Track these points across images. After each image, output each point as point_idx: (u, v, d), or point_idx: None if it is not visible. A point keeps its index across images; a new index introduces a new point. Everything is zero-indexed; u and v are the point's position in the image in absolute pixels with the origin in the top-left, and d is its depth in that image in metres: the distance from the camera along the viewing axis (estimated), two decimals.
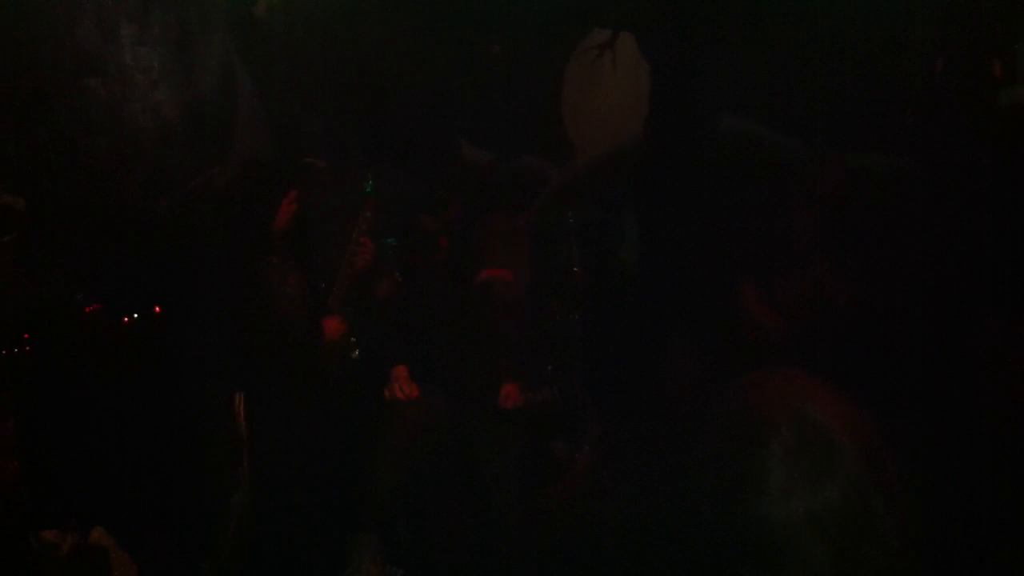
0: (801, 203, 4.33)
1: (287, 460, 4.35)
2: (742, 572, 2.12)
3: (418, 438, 4.39)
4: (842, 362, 3.77)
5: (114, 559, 4.07)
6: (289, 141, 4.84)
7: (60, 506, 4.08)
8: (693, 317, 4.47)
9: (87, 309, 4.39)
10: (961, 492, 3.59)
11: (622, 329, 4.53)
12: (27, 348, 4.24)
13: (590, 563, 4.11)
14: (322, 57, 4.71)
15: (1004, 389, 3.75)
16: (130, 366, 4.39)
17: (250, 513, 4.28)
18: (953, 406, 3.80)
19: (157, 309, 4.44)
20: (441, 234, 4.83)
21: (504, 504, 4.28)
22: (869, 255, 4.23)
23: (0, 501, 4.07)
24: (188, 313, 4.51)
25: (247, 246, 4.55)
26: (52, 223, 4.48)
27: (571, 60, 4.95)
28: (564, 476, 4.40)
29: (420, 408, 4.39)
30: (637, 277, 4.70)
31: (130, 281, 4.49)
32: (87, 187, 4.55)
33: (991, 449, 3.68)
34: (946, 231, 4.02)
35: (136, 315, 4.45)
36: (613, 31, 4.85)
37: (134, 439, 4.22)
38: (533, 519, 4.32)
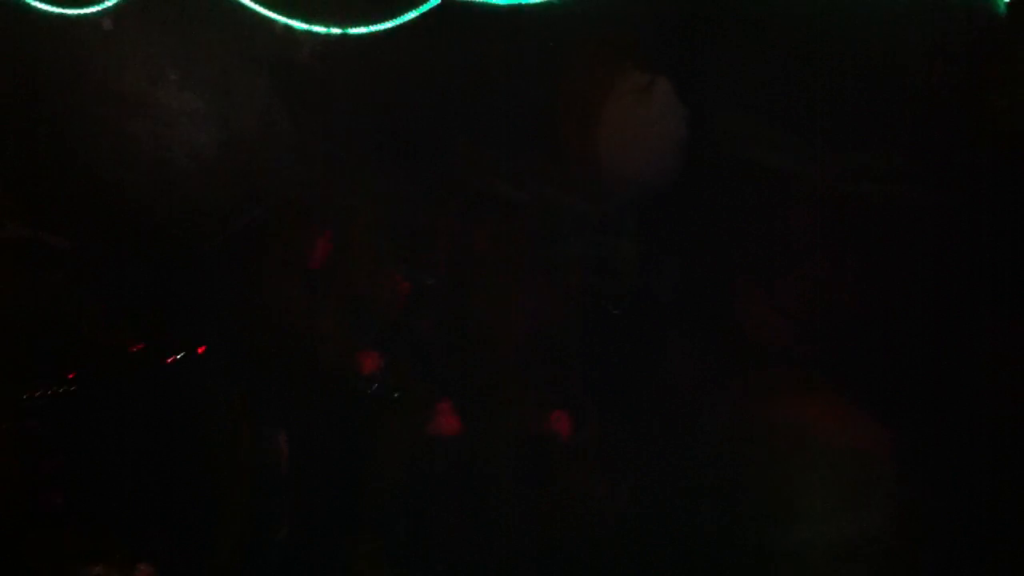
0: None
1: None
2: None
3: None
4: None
5: None
6: (325, 181, 4.91)
7: (105, 543, 4.16)
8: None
9: (131, 348, 4.49)
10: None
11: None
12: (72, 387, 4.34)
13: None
14: (359, 103, 4.79)
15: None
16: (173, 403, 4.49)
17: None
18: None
19: (201, 350, 4.53)
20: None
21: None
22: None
23: (47, 537, 4.15)
24: (228, 347, 4.60)
25: (282, 280, 4.65)
26: (96, 261, 4.60)
27: (609, 102, 4.97)
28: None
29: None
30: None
31: (173, 315, 4.59)
32: (131, 225, 4.65)
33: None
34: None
35: (181, 355, 4.55)
36: (651, 75, 4.87)
37: (178, 477, 4.31)
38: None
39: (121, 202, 4.64)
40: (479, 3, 4.46)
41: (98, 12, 4.75)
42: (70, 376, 4.40)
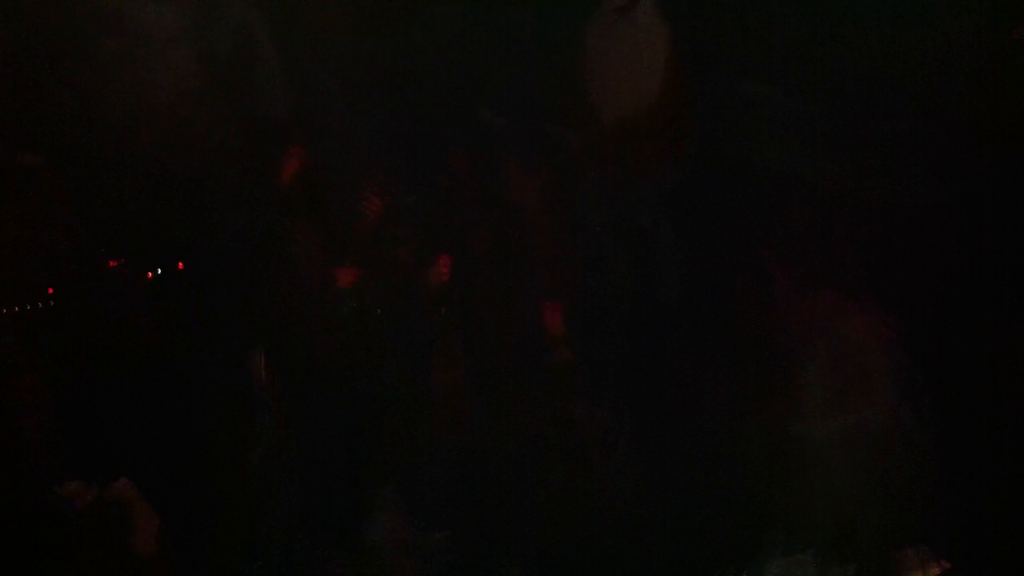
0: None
1: (309, 414, 4.45)
2: (774, 495, 2.18)
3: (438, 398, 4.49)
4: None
5: (137, 511, 4.17)
6: (306, 99, 4.85)
7: (84, 460, 4.17)
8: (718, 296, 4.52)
9: (110, 263, 4.45)
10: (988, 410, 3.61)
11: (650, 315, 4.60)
12: (51, 303, 4.31)
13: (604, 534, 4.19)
14: (343, 15, 4.72)
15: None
16: (149, 323, 4.46)
17: (272, 467, 4.38)
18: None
19: (180, 266, 4.50)
20: (452, 188, 4.88)
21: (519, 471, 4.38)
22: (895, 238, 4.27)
23: (24, 454, 4.15)
24: (206, 270, 4.57)
25: (259, 204, 4.61)
26: (73, 179, 4.53)
27: (592, 25, 4.94)
28: (580, 440, 4.47)
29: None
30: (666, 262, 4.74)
31: (149, 235, 4.55)
32: (107, 144, 4.57)
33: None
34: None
35: (158, 270, 4.52)
36: None
37: (155, 395, 4.30)
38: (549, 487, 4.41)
39: (98, 119, 4.56)
40: None
41: None
42: (49, 291, 4.37)
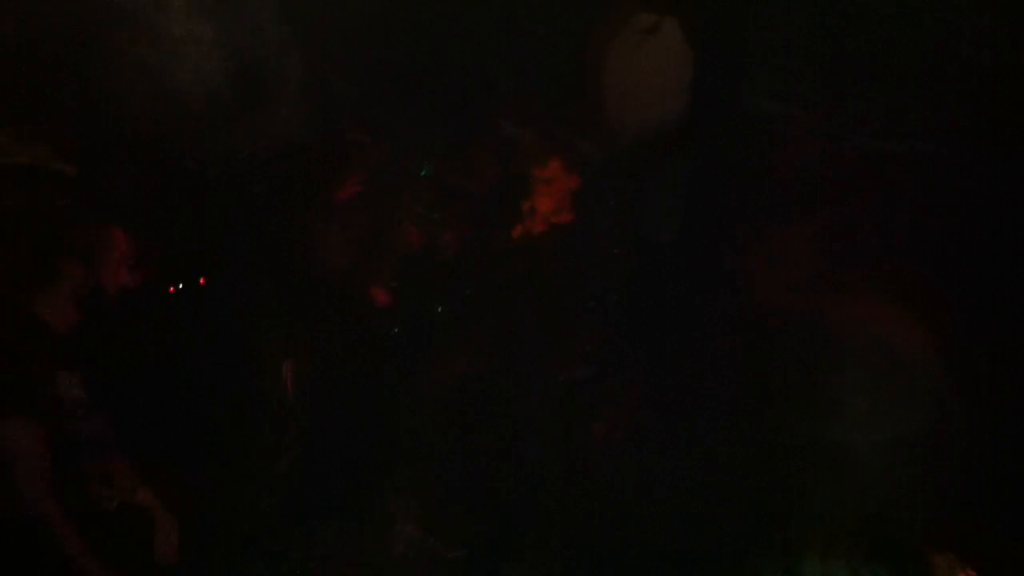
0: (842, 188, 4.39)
1: (329, 418, 4.48)
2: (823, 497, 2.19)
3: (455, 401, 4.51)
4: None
5: (157, 519, 4.18)
6: (335, 114, 4.90)
7: (106, 468, 4.18)
8: (729, 298, 4.55)
9: (137, 275, 4.46)
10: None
11: (662, 306, 4.62)
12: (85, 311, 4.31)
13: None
14: (370, 32, 4.77)
15: None
16: (176, 329, 4.48)
17: (295, 475, 4.40)
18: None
19: (202, 280, 4.52)
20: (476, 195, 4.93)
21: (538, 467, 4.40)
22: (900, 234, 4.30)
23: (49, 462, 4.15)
24: (236, 277, 4.61)
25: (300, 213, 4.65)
26: (103, 189, 4.55)
27: (615, 42, 4.99)
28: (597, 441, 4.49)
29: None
30: (677, 256, 4.77)
31: (180, 245, 4.58)
32: (138, 154, 4.61)
33: None
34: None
35: (181, 286, 4.54)
36: (658, 16, 4.90)
37: (184, 404, 4.31)
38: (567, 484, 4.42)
39: (128, 129, 4.59)
40: None
41: None
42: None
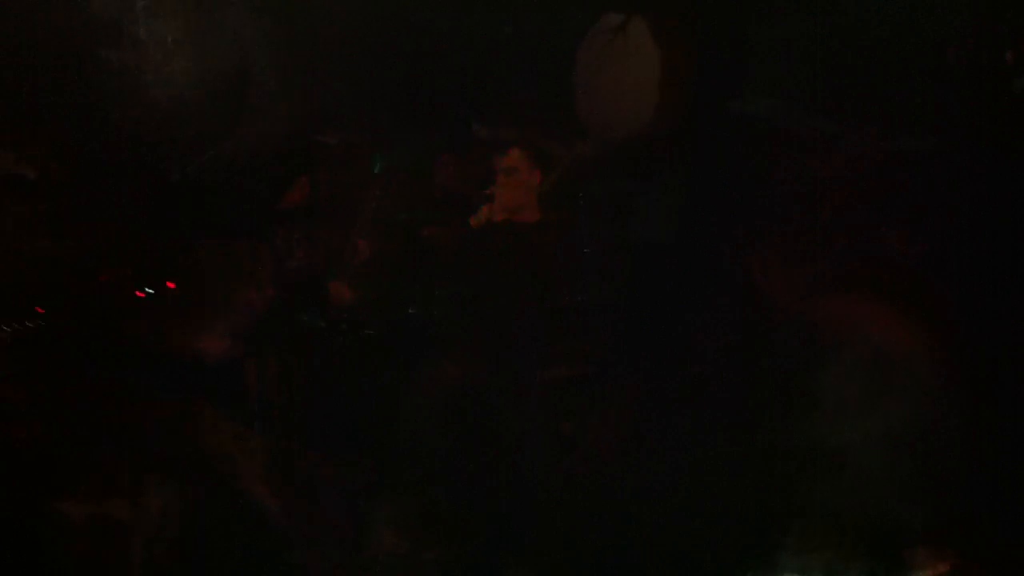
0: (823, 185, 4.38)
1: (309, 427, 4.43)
2: (799, 496, 2.16)
3: (438, 407, 4.46)
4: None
5: (131, 526, 4.12)
6: (302, 116, 4.86)
7: (76, 474, 4.12)
8: (712, 298, 4.53)
9: (101, 278, 4.41)
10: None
11: (638, 306, 4.59)
12: (40, 315, 4.27)
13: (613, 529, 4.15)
14: (337, 30, 4.74)
15: None
16: (143, 333, 4.43)
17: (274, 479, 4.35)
18: None
19: (171, 284, 4.47)
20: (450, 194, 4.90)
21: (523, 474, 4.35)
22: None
23: (16, 470, 4.10)
24: (200, 283, 4.55)
25: (255, 220, 4.60)
26: (66, 192, 4.50)
27: (583, 43, 4.97)
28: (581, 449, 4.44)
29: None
30: (654, 255, 4.74)
31: (143, 249, 4.53)
32: (101, 157, 4.55)
33: None
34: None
35: (148, 290, 4.49)
36: (626, 15, 4.89)
37: (149, 409, 4.26)
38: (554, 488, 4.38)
39: (91, 132, 4.54)
40: None
41: None
42: (39, 310, 4.33)
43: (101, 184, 4.51)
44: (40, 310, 4.31)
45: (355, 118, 4.88)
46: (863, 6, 4.35)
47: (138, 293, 4.51)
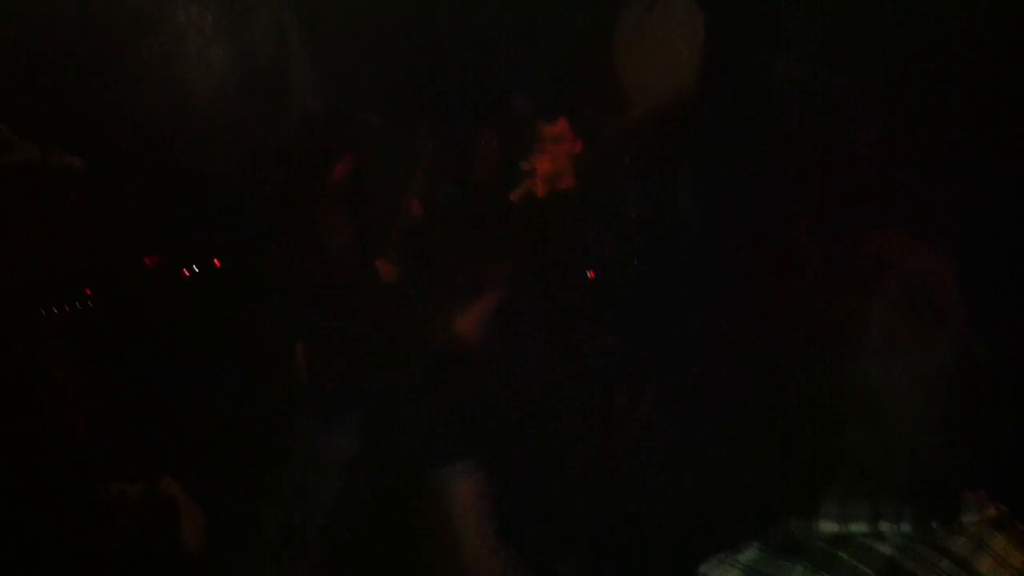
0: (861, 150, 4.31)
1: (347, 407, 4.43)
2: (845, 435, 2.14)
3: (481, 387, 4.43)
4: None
5: (182, 508, 4.15)
6: (343, 97, 4.86)
7: (128, 458, 4.16)
8: (749, 268, 4.45)
9: (147, 261, 4.44)
10: None
11: (678, 279, 4.54)
12: (90, 303, 4.31)
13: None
14: (375, 6, 4.74)
15: None
16: (191, 318, 4.45)
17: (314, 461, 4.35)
18: None
19: (217, 263, 4.49)
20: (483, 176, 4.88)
21: (568, 454, 4.32)
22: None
23: (69, 455, 4.15)
24: (246, 267, 4.57)
25: (302, 201, 4.61)
26: (112, 182, 4.54)
27: (623, 9, 4.93)
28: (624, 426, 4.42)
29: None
30: (694, 227, 4.70)
31: (189, 235, 4.55)
32: (145, 145, 4.59)
33: None
34: None
35: (196, 268, 4.51)
36: None
37: (199, 391, 4.28)
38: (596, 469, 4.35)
39: (135, 121, 4.57)
40: None
41: None
42: (87, 292, 4.37)
43: (145, 172, 4.55)
44: (88, 291, 4.35)
45: (397, 96, 4.89)
46: None
47: (184, 272, 4.54)
